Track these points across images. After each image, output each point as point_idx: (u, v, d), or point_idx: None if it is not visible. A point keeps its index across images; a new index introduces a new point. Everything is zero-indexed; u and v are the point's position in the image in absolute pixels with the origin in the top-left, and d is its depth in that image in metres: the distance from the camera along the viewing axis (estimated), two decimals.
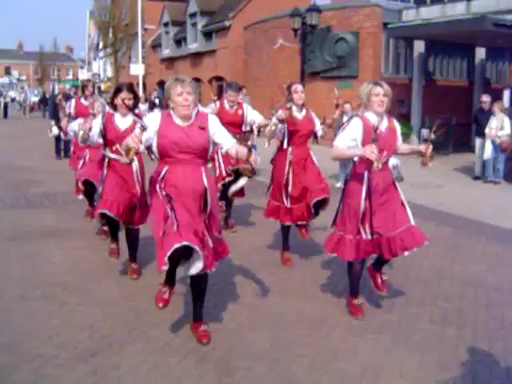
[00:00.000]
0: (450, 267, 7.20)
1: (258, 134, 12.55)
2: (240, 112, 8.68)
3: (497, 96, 15.69)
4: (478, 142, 14.72)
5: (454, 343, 4.99)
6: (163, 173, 4.68)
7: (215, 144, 4.85)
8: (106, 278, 6.58)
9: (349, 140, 5.24)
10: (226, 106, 8.67)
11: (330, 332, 5.20)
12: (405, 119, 20.91)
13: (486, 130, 13.82)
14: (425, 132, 14.50)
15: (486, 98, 14.71)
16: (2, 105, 39.40)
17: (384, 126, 5.30)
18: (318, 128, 7.20)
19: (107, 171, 6.50)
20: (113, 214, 6.21)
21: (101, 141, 6.49)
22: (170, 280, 4.82)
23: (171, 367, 4.49)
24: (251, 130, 10.42)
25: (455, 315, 5.65)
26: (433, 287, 6.47)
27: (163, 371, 4.43)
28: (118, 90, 6.51)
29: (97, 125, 6.41)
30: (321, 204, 6.96)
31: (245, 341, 4.98)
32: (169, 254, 4.34)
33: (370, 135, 5.08)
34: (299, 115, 6.98)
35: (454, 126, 19.49)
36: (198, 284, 4.91)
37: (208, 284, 4.99)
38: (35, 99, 47.20)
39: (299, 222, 7.11)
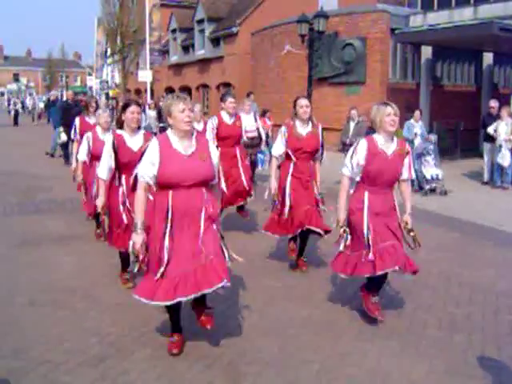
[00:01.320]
0: (458, 272, 7.18)
1: (267, 143, 12.54)
2: (238, 124, 8.64)
3: (505, 101, 15.65)
4: (486, 147, 14.68)
5: (462, 349, 4.98)
6: (170, 200, 4.55)
7: None
8: (114, 283, 6.58)
9: (355, 165, 5.39)
10: (225, 118, 8.60)
11: (338, 337, 5.20)
12: None
13: (490, 131, 13.78)
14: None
15: (494, 103, 14.69)
16: (13, 112, 39.07)
17: (392, 149, 5.32)
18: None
19: (117, 199, 6.19)
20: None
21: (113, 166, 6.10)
22: (176, 327, 4.90)
23: (180, 373, 4.49)
24: (260, 138, 10.45)
25: (464, 321, 5.63)
26: (441, 293, 6.45)
27: (172, 377, 4.44)
28: (126, 106, 6.14)
29: (107, 159, 6.02)
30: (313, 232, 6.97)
31: (253, 346, 4.98)
32: (167, 303, 4.55)
33: (374, 157, 5.24)
34: (303, 131, 6.91)
35: (462, 131, 19.46)
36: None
37: (215, 291, 4.98)
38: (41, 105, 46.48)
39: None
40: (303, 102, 6.88)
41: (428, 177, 12.57)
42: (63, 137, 17.08)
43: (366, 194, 5.35)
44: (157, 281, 4.51)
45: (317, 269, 7.26)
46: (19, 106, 44.95)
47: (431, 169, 12.61)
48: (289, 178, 6.96)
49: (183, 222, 4.56)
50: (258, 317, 5.64)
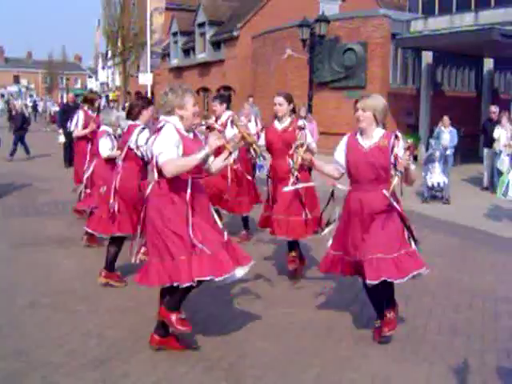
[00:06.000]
0: (458, 278, 7.19)
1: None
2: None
3: (505, 107, 15.68)
4: (486, 152, 14.71)
5: (462, 354, 4.98)
6: (189, 187, 4.67)
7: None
8: (114, 286, 6.59)
9: (337, 158, 5.32)
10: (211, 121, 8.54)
11: (338, 341, 5.21)
12: (413, 130, 20.93)
13: (496, 136, 13.77)
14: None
15: (494, 109, 14.73)
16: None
17: (371, 143, 5.09)
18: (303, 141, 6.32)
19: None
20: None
21: None
22: (181, 303, 4.81)
23: (180, 376, 4.50)
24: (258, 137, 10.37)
25: (464, 326, 5.64)
26: (441, 298, 6.46)
27: (172, 379, 4.44)
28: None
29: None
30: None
31: (254, 350, 4.98)
32: (208, 278, 4.48)
33: (350, 151, 5.14)
34: (279, 127, 6.88)
35: (462, 136, 19.48)
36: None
37: (217, 293, 5.00)
38: (54, 109, 40.15)
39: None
40: (276, 99, 6.81)
41: (429, 184, 12.53)
42: (61, 138, 17.10)
43: (351, 191, 5.24)
44: (211, 256, 4.52)
45: (317, 273, 7.25)
46: (30, 108, 42.15)
47: (437, 176, 12.52)
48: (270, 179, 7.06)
49: (199, 208, 4.73)
50: (258, 320, 5.64)
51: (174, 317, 4.68)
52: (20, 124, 19.16)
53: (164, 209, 4.64)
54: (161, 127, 4.69)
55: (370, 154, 5.04)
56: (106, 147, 7.89)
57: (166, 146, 4.57)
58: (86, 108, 10.36)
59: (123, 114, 8.68)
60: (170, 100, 4.73)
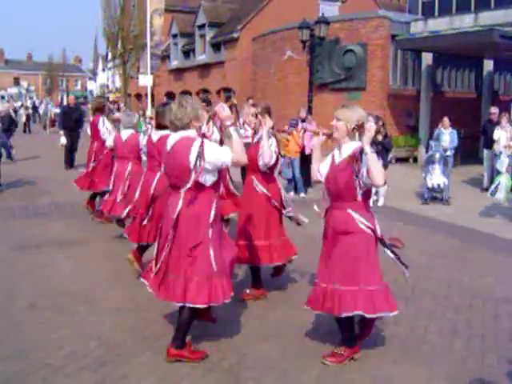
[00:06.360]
0: (458, 279, 7.19)
1: None
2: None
3: (505, 108, 15.68)
4: (486, 153, 14.71)
5: (462, 355, 4.99)
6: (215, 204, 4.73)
7: None
8: (114, 288, 6.60)
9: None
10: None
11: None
12: (413, 131, 20.95)
13: (496, 137, 13.75)
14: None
15: (494, 110, 14.74)
16: (25, 117, 34.61)
17: (342, 156, 4.72)
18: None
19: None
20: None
21: None
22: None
23: (180, 377, 4.50)
24: None
25: (464, 327, 5.64)
26: (441, 299, 6.46)
27: (172, 381, 4.44)
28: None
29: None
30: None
31: (254, 352, 4.98)
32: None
33: (330, 166, 4.79)
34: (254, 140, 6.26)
35: (462, 137, 19.49)
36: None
37: None
38: (56, 111, 36.95)
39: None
40: (245, 110, 6.41)
41: (429, 185, 12.52)
42: (63, 140, 17.08)
43: (327, 208, 4.90)
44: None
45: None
46: (30, 110, 40.06)
47: (437, 177, 12.51)
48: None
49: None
50: (258, 322, 5.65)
51: (186, 353, 4.73)
52: (7, 126, 19.03)
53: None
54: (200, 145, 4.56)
55: (338, 169, 4.70)
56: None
57: (218, 149, 4.66)
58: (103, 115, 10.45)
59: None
60: (188, 113, 4.64)
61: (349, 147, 4.66)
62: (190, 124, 4.66)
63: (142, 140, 7.63)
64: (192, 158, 4.53)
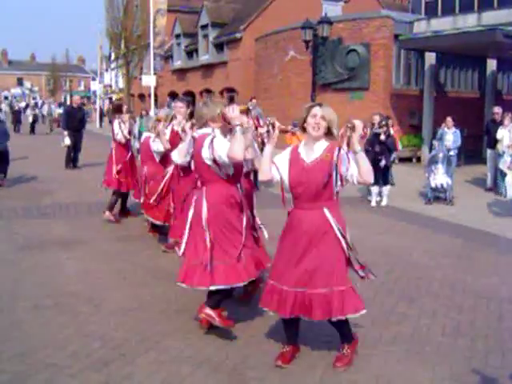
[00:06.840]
0: (462, 279, 7.17)
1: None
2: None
3: (508, 107, 15.66)
4: (489, 153, 14.70)
5: (466, 355, 4.97)
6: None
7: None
8: (118, 288, 6.60)
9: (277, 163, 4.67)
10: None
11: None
12: (416, 131, 20.92)
13: (499, 136, 13.73)
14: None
15: (497, 110, 14.71)
16: (31, 118, 34.41)
17: (314, 156, 4.54)
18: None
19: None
20: None
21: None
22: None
23: (184, 377, 4.50)
24: (263, 143, 10.26)
25: (467, 327, 5.62)
26: (445, 299, 6.44)
27: (176, 381, 4.44)
28: None
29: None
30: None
31: (258, 351, 4.98)
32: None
33: (292, 165, 4.57)
34: None
35: (466, 137, 19.48)
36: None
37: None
38: (59, 111, 36.69)
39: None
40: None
41: (433, 185, 12.49)
42: (67, 141, 17.10)
43: (292, 208, 4.68)
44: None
45: None
46: (37, 110, 39.17)
47: (440, 177, 12.48)
48: None
49: None
50: (261, 322, 5.63)
51: (216, 316, 5.11)
52: None
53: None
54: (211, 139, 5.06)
55: (313, 169, 4.50)
56: (175, 154, 7.79)
57: (221, 145, 4.97)
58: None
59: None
60: (205, 113, 5.21)
61: (320, 146, 4.55)
62: (206, 123, 5.19)
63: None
64: (205, 153, 5.05)
